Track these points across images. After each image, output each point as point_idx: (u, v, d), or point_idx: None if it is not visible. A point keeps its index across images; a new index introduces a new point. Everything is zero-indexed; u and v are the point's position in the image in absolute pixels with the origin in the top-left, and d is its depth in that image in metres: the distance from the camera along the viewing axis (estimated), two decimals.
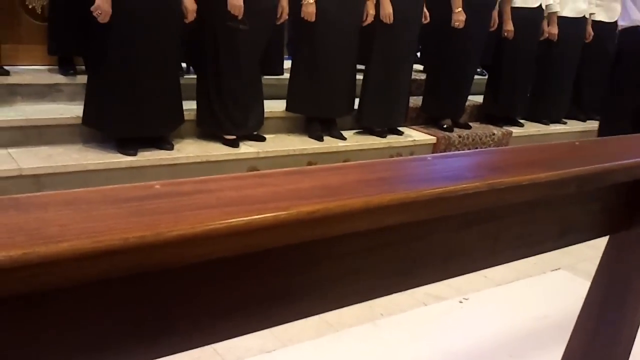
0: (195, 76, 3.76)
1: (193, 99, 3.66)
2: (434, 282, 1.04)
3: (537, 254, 1.18)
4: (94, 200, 0.66)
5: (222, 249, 0.65)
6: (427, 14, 4.32)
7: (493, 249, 1.07)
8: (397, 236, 0.91)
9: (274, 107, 4.02)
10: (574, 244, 1.25)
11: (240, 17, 3.34)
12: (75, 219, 0.61)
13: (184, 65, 4.03)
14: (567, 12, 5.19)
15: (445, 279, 1.05)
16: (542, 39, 5.12)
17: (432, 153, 4.49)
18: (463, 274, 1.07)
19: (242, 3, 3.32)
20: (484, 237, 1.04)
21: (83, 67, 3.73)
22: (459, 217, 0.96)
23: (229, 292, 0.74)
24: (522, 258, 1.16)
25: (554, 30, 5.13)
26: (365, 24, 3.97)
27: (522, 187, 0.91)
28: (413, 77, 4.66)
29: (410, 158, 0.97)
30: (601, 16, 5.53)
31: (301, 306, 0.86)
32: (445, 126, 4.68)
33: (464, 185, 0.85)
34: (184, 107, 3.54)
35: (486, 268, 1.11)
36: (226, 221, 0.65)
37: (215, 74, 3.53)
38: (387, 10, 4.00)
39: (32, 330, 0.60)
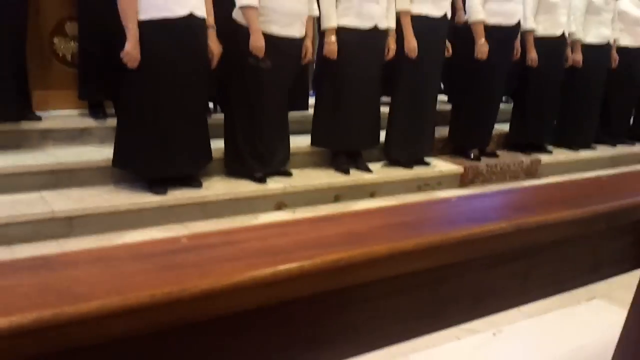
0: (222, 114, 3.82)
1: (221, 137, 3.71)
2: (464, 322, 1.03)
3: (569, 290, 1.16)
4: (122, 257, 0.67)
5: (247, 301, 0.66)
6: (450, 47, 4.34)
7: (523, 288, 1.06)
8: (424, 279, 0.90)
9: (300, 142, 4.05)
10: (606, 279, 1.23)
11: (261, 56, 3.40)
12: (104, 276, 0.62)
13: (211, 104, 4.09)
14: (591, 38, 5.17)
15: (475, 319, 1.04)
16: (567, 66, 5.09)
17: (460, 183, 4.47)
18: (493, 313, 1.06)
19: (263, 44, 3.38)
20: (513, 276, 1.02)
21: (113, 111, 3.82)
22: (487, 258, 0.95)
23: (256, 342, 0.75)
24: (554, 295, 1.14)
25: (578, 57, 5.11)
26: (388, 58, 4.00)
27: (548, 227, 0.90)
28: (438, 108, 4.67)
29: (434, 200, 0.97)
30: (626, 41, 5.49)
31: (331, 352, 0.86)
32: (472, 156, 4.66)
33: (490, 227, 0.84)
34: (212, 146, 3.59)
35: (517, 306, 1.09)
36: (251, 273, 0.65)
37: (242, 112, 3.58)
38: (412, 44, 4.03)
39: None
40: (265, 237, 0.74)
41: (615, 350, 1.60)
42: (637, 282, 1.49)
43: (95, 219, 3.11)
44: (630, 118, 5.90)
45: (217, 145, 3.68)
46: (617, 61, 5.38)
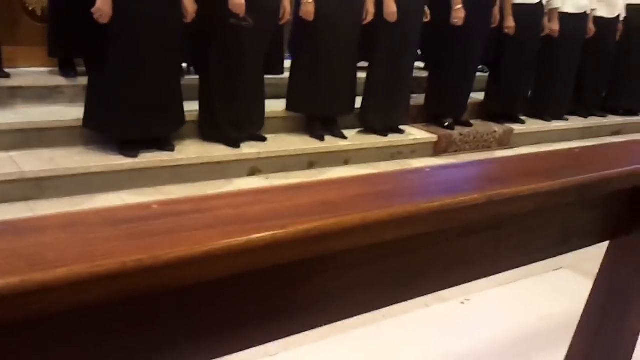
0: (196, 76, 3.76)
1: (194, 100, 3.66)
2: (434, 291, 1.04)
3: (539, 261, 1.18)
4: (91, 223, 0.66)
5: (220, 269, 0.65)
6: (428, 12, 4.32)
7: (493, 258, 1.07)
8: (396, 248, 0.91)
9: (275, 106, 4.02)
10: (575, 250, 1.25)
11: (242, 15, 3.34)
12: (73, 242, 0.61)
13: (184, 65, 4.02)
14: (568, 8, 5.17)
15: (445, 289, 1.06)
16: (543, 35, 5.10)
17: (433, 152, 4.49)
18: (464, 283, 1.07)
19: (243, 1, 3.31)
20: (484, 246, 1.03)
21: (84, 69, 3.73)
22: (459, 228, 0.96)
23: (230, 309, 0.75)
24: (523, 265, 1.16)
25: (555, 26, 5.11)
26: (366, 22, 3.96)
27: (520, 198, 0.91)
28: (414, 75, 4.65)
29: (408, 170, 0.97)
30: (602, 12, 5.51)
31: (302, 320, 0.86)
32: (446, 124, 4.68)
33: (462, 198, 0.85)
34: (185, 108, 3.54)
35: (487, 276, 1.11)
36: (223, 242, 0.65)
37: (218, 74, 3.53)
38: (391, 8, 3.99)
39: (31, 355, 0.60)
40: (238, 205, 0.73)
41: (580, 319, 1.64)
42: (602, 254, 1.52)
43: (66, 181, 3.07)
44: (602, 90, 5.95)
45: (191, 108, 3.63)
46: (592, 31, 5.40)
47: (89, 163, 3.17)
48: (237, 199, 0.75)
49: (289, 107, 3.99)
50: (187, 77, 3.95)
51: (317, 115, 4.02)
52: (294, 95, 3.95)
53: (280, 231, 0.69)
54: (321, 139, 3.97)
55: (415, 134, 4.50)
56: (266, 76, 3.88)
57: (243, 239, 0.66)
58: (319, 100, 3.91)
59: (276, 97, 4.11)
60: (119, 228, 0.66)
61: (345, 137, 4.10)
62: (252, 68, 3.59)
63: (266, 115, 3.86)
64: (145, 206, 0.71)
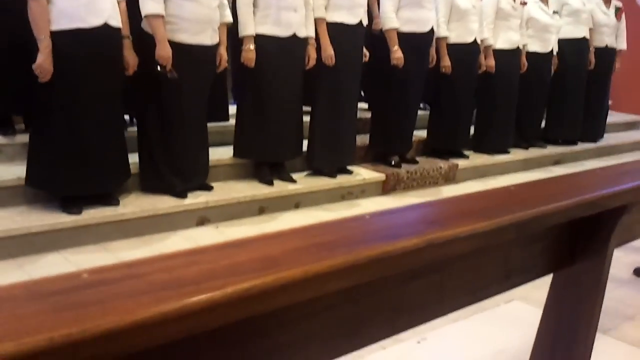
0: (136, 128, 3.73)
1: (137, 151, 3.62)
2: (383, 338, 1.03)
3: (484, 299, 1.19)
4: (18, 297, 0.63)
5: (154, 337, 0.63)
6: (367, 53, 4.41)
7: (439, 299, 1.08)
8: (341, 298, 0.90)
9: (221, 153, 4.00)
10: (519, 285, 1.27)
11: (168, 67, 3.33)
12: None
13: (126, 117, 3.97)
14: (501, 44, 5.37)
15: (394, 335, 1.05)
16: (480, 71, 5.27)
17: (382, 190, 4.53)
18: (412, 327, 1.07)
19: (169, 53, 3.32)
20: (428, 289, 1.04)
21: (22, 126, 3.66)
22: (401, 274, 0.96)
23: None
24: (469, 304, 1.16)
25: (491, 62, 5.30)
26: (308, 67, 4.01)
27: (459, 240, 0.91)
28: (359, 115, 4.72)
29: (348, 218, 0.97)
30: (535, 47, 5.74)
31: None
32: (393, 162, 4.74)
33: (402, 244, 0.85)
34: (130, 160, 3.49)
35: (434, 319, 1.10)
36: (157, 308, 0.63)
37: (157, 125, 3.50)
38: (329, 52, 4.06)
39: None
40: (172, 268, 0.71)
41: (532, 350, 1.66)
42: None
43: (8, 242, 2.96)
44: (540, 121, 6.16)
45: (135, 159, 3.58)
46: (525, 66, 5.61)
47: (31, 223, 3.07)
48: (171, 262, 0.73)
49: (236, 154, 3.98)
50: (129, 128, 3.90)
51: (265, 160, 4.01)
52: (241, 141, 3.94)
53: (217, 292, 0.67)
54: (270, 183, 3.96)
55: (363, 173, 4.53)
56: (211, 123, 3.88)
57: (178, 303, 0.64)
58: (267, 145, 3.91)
59: (223, 144, 4.10)
60: (48, 301, 0.63)
61: (294, 181, 4.10)
62: (193, 117, 3.57)
63: (213, 162, 3.84)
64: (75, 275, 0.68)
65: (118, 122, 3.44)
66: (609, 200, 1.24)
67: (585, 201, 1.17)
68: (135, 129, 3.79)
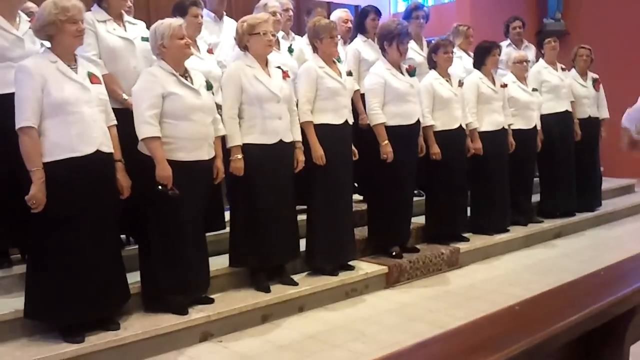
0: (136, 246, 3.71)
1: (136, 270, 3.58)
2: None
3: None
4: None
5: None
6: (356, 151, 4.46)
7: None
8: None
9: (218, 264, 3.95)
10: None
11: (169, 186, 3.36)
12: None
13: (123, 237, 3.96)
14: (486, 126, 5.47)
15: None
16: (469, 155, 5.33)
17: (386, 283, 4.47)
18: None
19: (169, 173, 3.35)
20: None
21: (18, 256, 3.63)
22: None
23: None
24: None
25: (478, 145, 5.37)
26: (297, 170, 4.05)
27: None
28: (355, 208, 4.73)
29: None
30: (520, 124, 5.84)
31: None
32: (394, 253, 4.70)
33: None
34: (128, 280, 3.45)
35: None
36: None
37: (159, 244, 3.48)
38: (319, 152, 4.12)
39: None
40: None
41: None
42: None
43: None
44: (531, 195, 6.18)
45: (133, 279, 3.55)
46: (513, 145, 5.69)
47: (31, 356, 2.99)
48: None
49: (233, 263, 3.93)
50: (127, 247, 3.88)
51: (262, 267, 3.97)
52: (236, 250, 3.91)
53: None
54: (267, 290, 3.88)
55: (365, 267, 4.48)
56: (207, 234, 3.87)
57: None
58: (263, 251, 3.88)
59: (218, 253, 4.07)
60: None
61: (296, 283, 4.04)
62: (192, 232, 3.56)
63: (212, 273, 3.79)
64: None
65: (115, 244, 3.44)
66: (617, 306, 1.21)
67: (593, 312, 1.14)
68: (132, 248, 3.78)
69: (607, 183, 7.41)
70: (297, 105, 4.18)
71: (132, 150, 3.46)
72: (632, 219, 6.95)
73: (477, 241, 5.34)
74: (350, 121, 4.37)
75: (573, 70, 6.59)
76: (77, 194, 3.09)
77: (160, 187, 3.35)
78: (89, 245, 3.15)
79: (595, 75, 6.62)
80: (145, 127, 3.35)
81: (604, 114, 6.71)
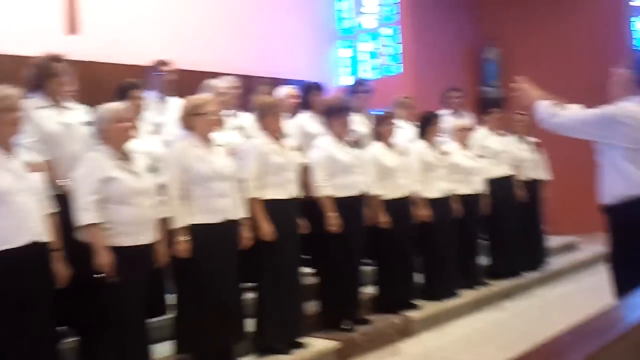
0: (77, 338, 3.59)
1: None
2: None
3: None
4: None
5: None
6: (302, 224, 4.46)
7: None
8: None
9: (160, 352, 3.81)
10: None
11: (110, 273, 3.29)
12: None
13: (65, 328, 3.82)
14: (432, 193, 5.58)
15: None
16: (417, 222, 5.41)
17: (339, 359, 4.40)
18: None
19: (109, 260, 3.29)
20: None
21: None
22: None
23: None
24: None
25: (425, 212, 5.46)
26: (243, 247, 4.02)
27: None
28: (304, 282, 4.69)
29: None
30: (464, 190, 5.98)
31: None
32: (345, 327, 4.66)
33: None
34: None
35: None
36: None
37: (100, 333, 3.37)
38: (266, 229, 4.11)
39: None
40: None
41: None
42: None
43: None
44: (477, 258, 6.27)
45: None
46: (458, 211, 5.81)
47: None
48: None
49: (181, 349, 3.80)
50: (66, 340, 3.73)
51: (212, 350, 3.86)
52: (184, 335, 3.79)
53: None
54: None
55: (316, 344, 4.40)
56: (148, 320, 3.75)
57: None
58: (211, 334, 3.76)
59: (161, 340, 3.93)
60: None
61: None
62: (135, 318, 3.46)
63: None
64: None
65: (51, 339, 3.29)
66: None
67: None
68: (72, 339, 3.65)
69: (551, 241, 7.58)
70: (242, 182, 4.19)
71: (72, 236, 3.39)
72: (578, 276, 7.09)
73: (429, 308, 5.35)
74: (298, 195, 4.40)
75: (513, 135, 6.84)
76: (11, 288, 2.97)
77: (100, 274, 3.27)
78: (21, 341, 3.01)
79: (534, 139, 6.87)
80: (84, 214, 3.30)
81: (545, 175, 6.96)
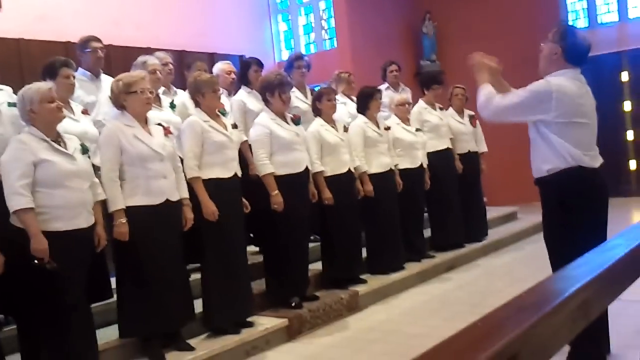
0: (14, 326, 3.43)
1: (16, 352, 3.31)
2: None
3: None
4: None
5: None
6: (247, 203, 4.39)
7: None
8: None
9: (107, 335, 3.73)
10: None
11: (46, 259, 3.14)
12: None
13: (1, 316, 3.66)
14: (375, 168, 5.59)
15: None
16: (360, 197, 5.41)
17: (288, 336, 4.39)
18: None
19: (45, 246, 3.14)
20: None
21: None
22: None
23: None
24: None
25: (368, 187, 5.46)
26: (186, 229, 3.92)
27: None
28: (251, 261, 4.64)
29: None
30: (406, 163, 6.02)
31: None
32: (294, 304, 4.63)
33: None
34: None
35: None
36: None
37: (41, 319, 3.23)
38: (210, 208, 4.01)
39: None
40: None
41: None
42: None
43: None
44: (422, 232, 6.35)
45: None
46: (401, 185, 5.84)
47: None
48: None
49: (123, 334, 3.71)
50: (5, 329, 3.58)
51: (154, 334, 3.76)
52: (126, 319, 3.68)
53: None
54: (162, 359, 3.68)
55: (265, 322, 4.38)
56: (94, 305, 3.63)
57: None
58: (153, 318, 3.65)
59: (108, 324, 3.83)
60: None
61: (192, 348, 3.86)
62: (77, 305, 3.32)
63: (100, 346, 3.54)
64: None
65: None
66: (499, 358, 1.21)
67: None
68: (10, 328, 3.49)
69: (491, 212, 7.76)
70: (181, 161, 4.07)
71: (4, 222, 3.22)
72: (517, 245, 7.29)
73: (375, 282, 5.39)
74: (239, 174, 4.32)
75: (450, 108, 6.92)
76: None
77: (36, 261, 3.11)
78: None
79: (472, 112, 6.96)
80: (16, 199, 3.13)
81: (483, 148, 7.10)
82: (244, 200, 4.37)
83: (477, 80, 3.42)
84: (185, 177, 4.03)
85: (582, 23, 9.73)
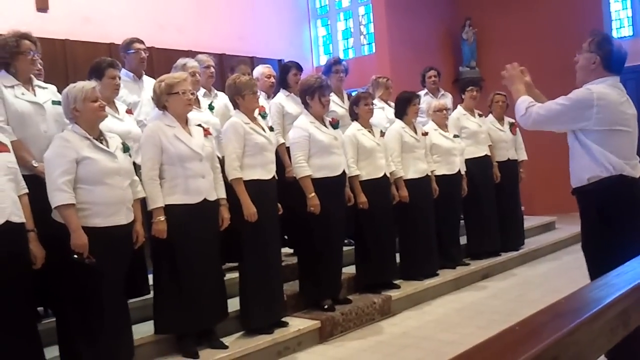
0: (53, 319, 3.51)
1: (54, 344, 3.38)
2: None
3: None
4: None
5: None
6: (280, 206, 4.42)
7: None
8: None
9: (144, 331, 3.79)
10: None
11: (85, 254, 3.21)
12: None
13: (40, 309, 3.75)
14: (411, 174, 5.56)
15: None
16: (395, 203, 5.39)
17: (320, 338, 4.40)
18: None
19: (85, 241, 3.21)
20: None
21: None
22: None
23: None
24: None
25: (404, 193, 5.44)
26: (222, 228, 3.97)
27: None
28: (285, 262, 4.66)
29: None
30: (443, 170, 5.98)
31: None
32: (326, 307, 4.64)
33: None
34: (46, 355, 3.25)
35: None
36: None
37: (78, 312, 3.30)
38: (251, 209, 4.06)
39: None
40: None
41: None
42: None
43: None
44: (458, 239, 6.29)
45: (51, 354, 3.34)
46: (437, 191, 5.81)
47: None
48: None
49: (158, 330, 3.77)
50: (44, 321, 3.67)
51: (188, 332, 3.81)
52: (161, 316, 3.75)
53: None
54: (195, 356, 3.72)
55: (297, 324, 4.40)
56: (131, 300, 3.70)
57: None
58: (188, 316, 3.72)
59: (144, 319, 3.89)
60: None
61: (225, 347, 3.90)
62: (114, 299, 3.39)
63: (136, 342, 3.62)
64: None
65: (30, 322, 3.22)
66: None
67: None
68: (49, 320, 3.58)
69: (529, 221, 7.65)
70: (220, 162, 4.13)
71: (46, 217, 3.31)
72: (554, 255, 7.17)
73: (408, 287, 5.36)
74: (276, 176, 4.36)
75: (490, 115, 6.85)
76: None
77: (76, 256, 3.19)
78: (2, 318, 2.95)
79: (512, 120, 6.87)
80: (58, 195, 3.22)
81: (522, 156, 6.99)
82: (278, 205, 4.41)
83: (512, 92, 3.39)
84: (227, 177, 4.08)
85: (626, 32, 9.51)
